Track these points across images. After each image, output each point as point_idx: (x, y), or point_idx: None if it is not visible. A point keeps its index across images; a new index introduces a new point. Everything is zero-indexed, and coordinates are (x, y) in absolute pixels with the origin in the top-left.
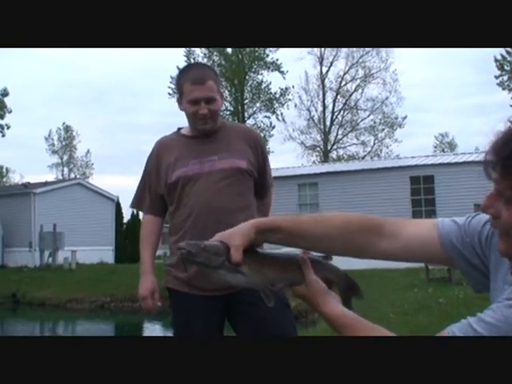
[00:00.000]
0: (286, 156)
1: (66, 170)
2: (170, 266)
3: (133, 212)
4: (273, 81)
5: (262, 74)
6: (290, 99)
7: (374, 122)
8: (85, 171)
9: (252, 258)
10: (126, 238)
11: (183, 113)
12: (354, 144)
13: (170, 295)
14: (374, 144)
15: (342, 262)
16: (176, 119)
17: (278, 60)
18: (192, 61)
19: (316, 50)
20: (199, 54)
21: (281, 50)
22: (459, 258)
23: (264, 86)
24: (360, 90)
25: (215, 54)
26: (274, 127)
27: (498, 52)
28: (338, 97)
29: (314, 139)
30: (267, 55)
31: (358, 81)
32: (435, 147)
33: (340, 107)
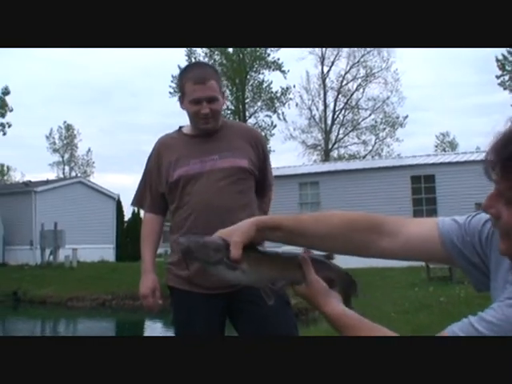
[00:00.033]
0: (287, 155)
1: (67, 168)
2: (171, 264)
3: (134, 210)
4: (274, 80)
5: (263, 73)
6: (291, 98)
7: (375, 122)
8: (86, 170)
9: (252, 255)
10: (127, 236)
11: (184, 113)
12: (355, 143)
13: (170, 293)
14: (375, 143)
15: (342, 261)
16: (176, 119)
17: (279, 59)
18: (193, 60)
19: (317, 50)
20: (200, 53)
21: (282, 49)
22: (459, 257)
23: (265, 85)
24: (361, 90)
25: (216, 53)
26: (275, 126)
27: (500, 52)
28: (340, 96)
29: (315, 138)
30: (268, 55)
31: (360, 80)
32: (436, 146)
33: (341, 106)
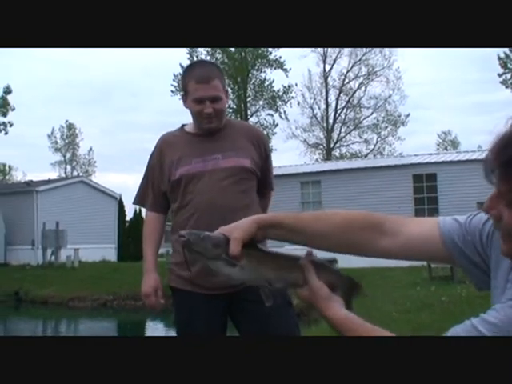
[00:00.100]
0: (289, 154)
1: (68, 167)
2: (173, 264)
3: (135, 210)
4: (276, 78)
5: (265, 71)
6: (293, 97)
7: (377, 120)
8: (87, 169)
9: (252, 253)
10: (129, 236)
11: (185, 112)
12: (357, 142)
13: (172, 294)
14: (377, 142)
15: (344, 261)
16: (177, 118)
17: (281, 58)
18: (195, 59)
19: (319, 48)
20: (202, 51)
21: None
22: (460, 257)
23: (267, 83)
24: (363, 88)
25: (218, 51)
26: (276, 125)
27: (502, 50)
28: (341, 95)
29: (316, 137)
30: (270, 53)
31: (361, 79)
32: (438, 145)
33: (343, 105)
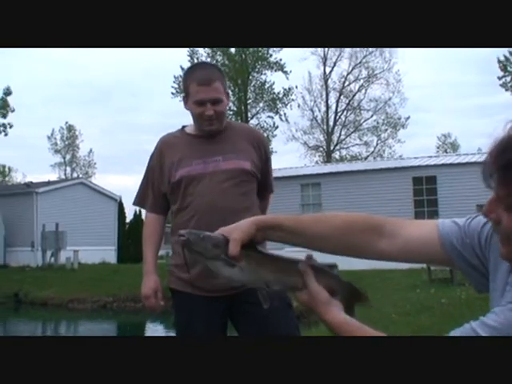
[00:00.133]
0: (289, 156)
1: (68, 169)
2: (173, 266)
3: (135, 212)
4: (276, 81)
5: (265, 73)
6: (293, 99)
7: (377, 123)
8: (87, 171)
9: (251, 255)
10: (129, 237)
11: (185, 113)
12: (357, 144)
13: (172, 296)
14: (377, 144)
15: (344, 263)
16: (177, 119)
17: (281, 60)
18: (195, 60)
19: (319, 51)
20: (203, 53)
21: (284, 50)
22: (459, 259)
23: (267, 86)
24: (363, 91)
25: (218, 53)
26: (277, 127)
27: (501, 53)
28: (341, 97)
29: (316, 139)
30: (270, 55)
31: (362, 81)
32: (438, 148)
33: (343, 107)
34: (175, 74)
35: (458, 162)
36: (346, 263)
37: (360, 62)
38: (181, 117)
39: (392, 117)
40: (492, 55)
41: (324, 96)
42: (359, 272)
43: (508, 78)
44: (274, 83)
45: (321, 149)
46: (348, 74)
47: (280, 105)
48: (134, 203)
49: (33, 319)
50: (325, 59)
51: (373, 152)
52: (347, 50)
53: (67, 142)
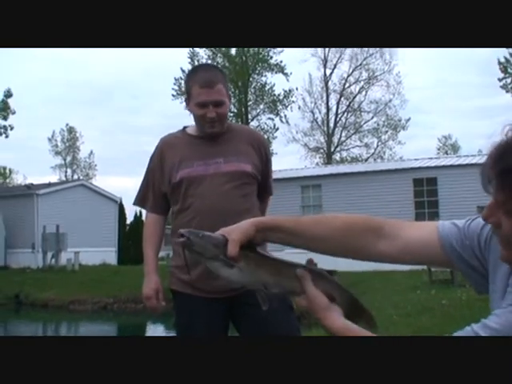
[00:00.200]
0: (290, 158)
1: (69, 171)
2: (173, 267)
3: (136, 213)
4: (276, 83)
5: (265, 75)
6: (293, 101)
7: (378, 124)
8: (88, 172)
9: (250, 256)
10: (129, 239)
11: (185, 114)
12: (358, 146)
13: (173, 297)
14: (378, 146)
15: (345, 264)
16: (178, 121)
17: (281, 62)
18: (196, 62)
19: (320, 53)
20: (203, 55)
21: (285, 52)
22: (459, 261)
23: (268, 87)
24: (363, 92)
25: (219, 55)
26: (277, 129)
27: (502, 54)
28: (342, 99)
29: (317, 141)
30: (271, 57)
31: (362, 83)
32: (438, 149)
33: (343, 109)
34: (176, 75)
35: (459, 164)
36: (347, 264)
37: (360, 64)
38: (182, 118)
39: (392, 118)
40: (492, 56)
41: (324, 98)
42: (360, 273)
43: (508, 80)
44: (274, 85)
45: (321, 150)
46: (348, 76)
47: (280, 107)
48: (135, 203)
49: (33, 321)
50: (325, 61)
51: (373, 154)
52: (347, 51)
53: (68, 144)
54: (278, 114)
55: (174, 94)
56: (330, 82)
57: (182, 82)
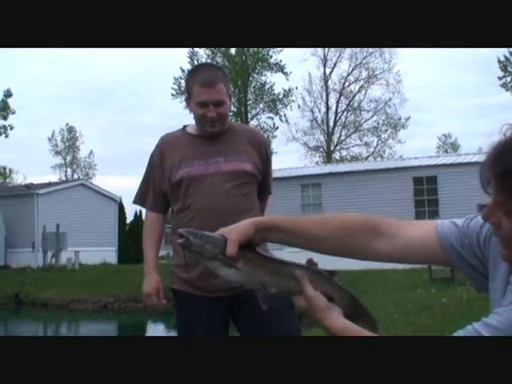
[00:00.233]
0: (289, 157)
1: (69, 170)
2: (174, 266)
3: (136, 212)
4: (276, 82)
5: (265, 75)
6: (293, 100)
7: (377, 123)
8: (88, 172)
9: (249, 256)
10: (129, 238)
11: (185, 114)
12: (357, 145)
13: (173, 296)
14: (377, 145)
15: (344, 263)
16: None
17: (281, 61)
18: (195, 62)
19: (319, 52)
20: (203, 55)
21: (284, 51)
22: (459, 260)
23: (267, 87)
24: (363, 91)
25: (219, 55)
26: (277, 128)
27: (502, 53)
28: (342, 98)
29: (317, 140)
30: (271, 56)
31: (362, 82)
32: (438, 148)
33: (343, 108)
34: (175, 75)
35: (459, 162)
36: (347, 263)
37: (360, 63)
38: (181, 118)
39: (392, 117)
40: (492, 55)
41: (324, 97)
42: (360, 272)
43: (508, 78)
44: (274, 84)
45: (321, 149)
46: (348, 75)
47: (280, 106)
48: (134, 202)
49: (34, 320)
50: (325, 60)
51: (373, 152)
52: (347, 50)
53: (68, 144)
54: (277, 113)
55: (174, 93)
56: (329, 81)
57: (182, 81)
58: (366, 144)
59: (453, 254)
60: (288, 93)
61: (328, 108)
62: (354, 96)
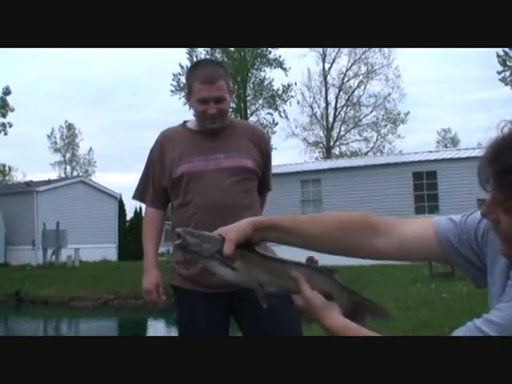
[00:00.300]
0: (289, 152)
1: (68, 168)
2: (174, 263)
3: (136, 209)
4: (275, 78)
5: (264, 70)
6: (292, 96)
7: (377, 118)
8: (87, 169)
9: (247, 255)
10: (129, 235)
11: (185, 111)
12: (357, 140)
13: (174, 293)
14: (377, 140)
15: (343, 259)
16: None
17: (280, 57)
18: (194, 59)
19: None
20: (201, 51)
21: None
22: (456, 256)
23: (266, 82)
24: (362, 87)
25: (218, 51)
26: (276, 124)
27: (501, 48)
28: (341, 93)
29: (316, 136)
30: (270, 52)
31: (361, 77)
32: (438, 143)
33: (343, 103)
34: (174, 71)
35: (458, 157)
36: (347, 259)
37: (359, 58)
38: (181, 114)
39: (391, 112)
40: (491, 50)
41: (323, 92)
42: (360, 268)
43: (507, 73)
44: (273, 80)
45: (321, 145)
46: (347, 70)
47: (279, 101)
48: (134, 197)
49: (34, 317)
50: (324, 56)
51: (373, 147)
52: None
53: (67, 141)
54: (276, 109)
55: (173, 89)
56: (328, 77)
57: (181, 77)
58: (366, 139)
59: (451, 250)
60: (287, 88)
61: (327, 103)
62: (353, 91)
